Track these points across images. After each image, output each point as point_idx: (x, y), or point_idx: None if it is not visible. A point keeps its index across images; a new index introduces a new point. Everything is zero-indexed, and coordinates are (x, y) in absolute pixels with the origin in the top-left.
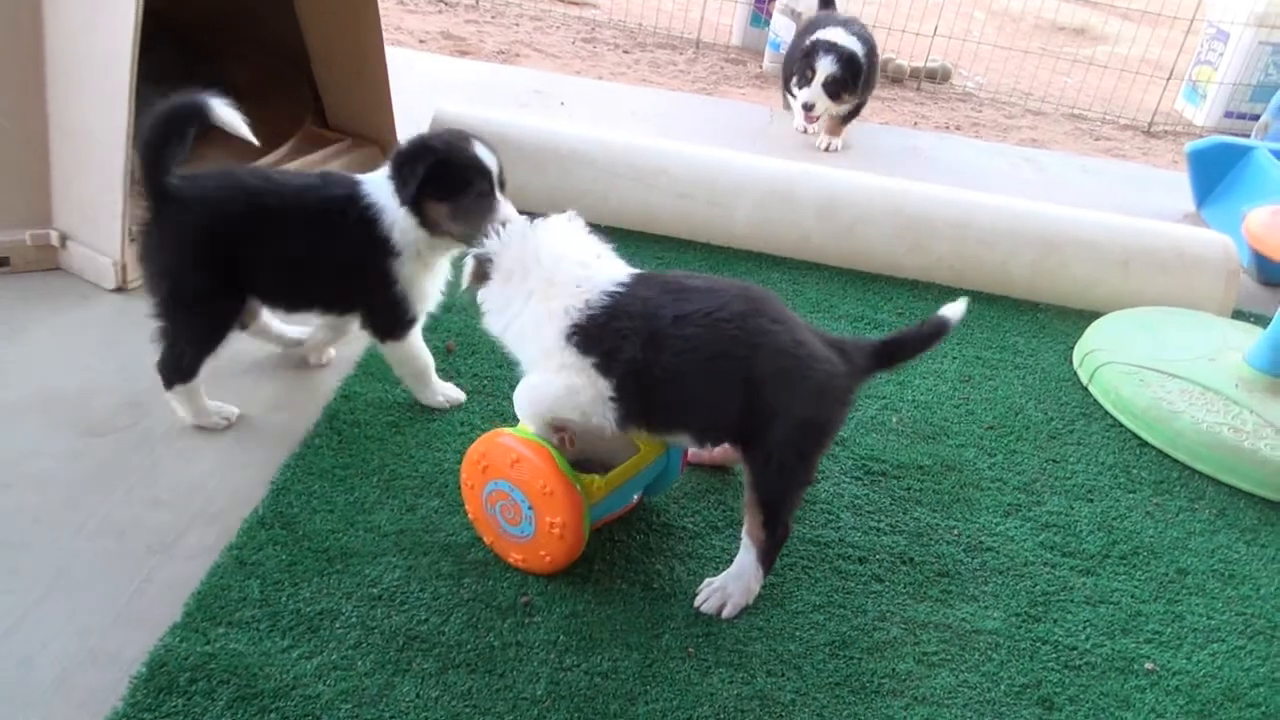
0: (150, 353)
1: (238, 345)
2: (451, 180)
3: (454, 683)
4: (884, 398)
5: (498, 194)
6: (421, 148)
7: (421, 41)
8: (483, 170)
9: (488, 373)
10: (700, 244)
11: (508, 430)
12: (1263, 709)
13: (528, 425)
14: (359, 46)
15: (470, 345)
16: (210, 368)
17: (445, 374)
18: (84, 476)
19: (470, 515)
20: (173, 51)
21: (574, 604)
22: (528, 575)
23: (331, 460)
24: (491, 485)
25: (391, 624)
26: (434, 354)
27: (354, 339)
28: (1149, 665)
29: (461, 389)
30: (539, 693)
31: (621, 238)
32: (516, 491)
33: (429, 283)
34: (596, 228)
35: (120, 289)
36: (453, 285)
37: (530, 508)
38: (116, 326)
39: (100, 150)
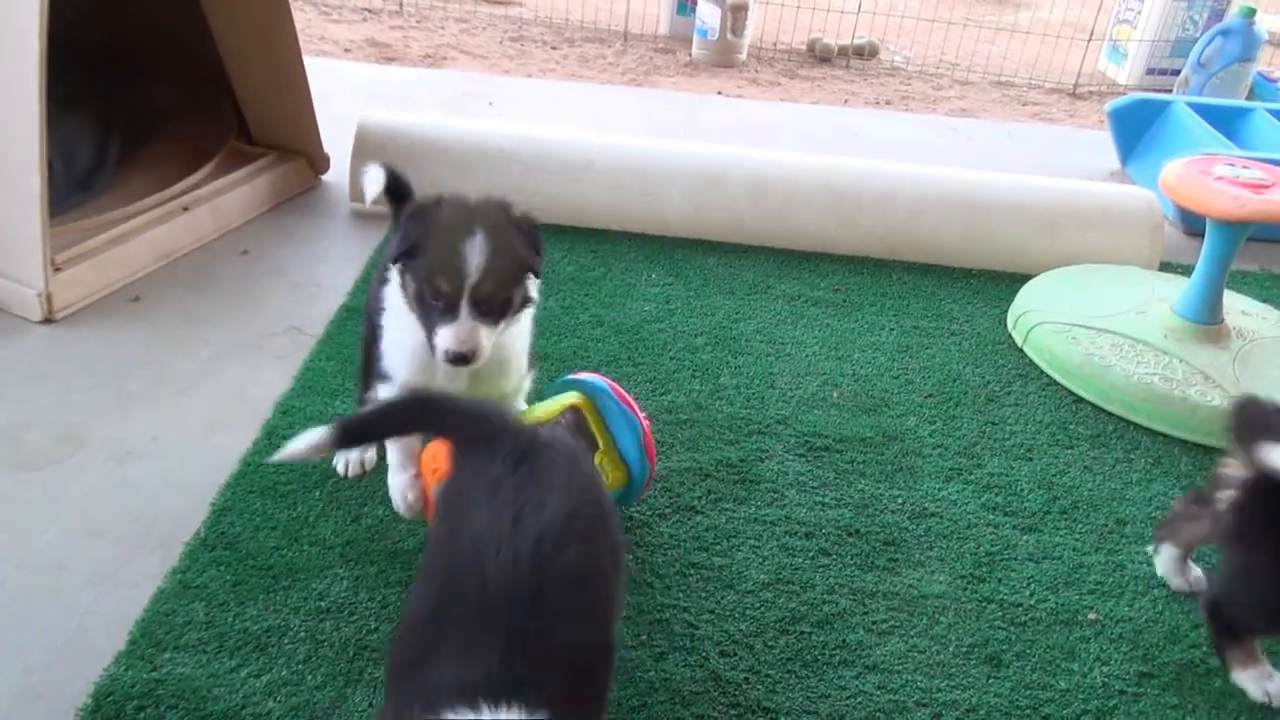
0: (84, 383)
1: (170, 368)
2: (420, 270)
3: None
4: (824, 374)
5: (463, 312)
6: (418, 214)
7: (347, 50)
8: (451, 275)
9: None
10: (634, 234)
11: None
12: (1203, 649)
13: None
14: (276, 60)
15: None
16: (143, 391)
17: None
18: (20, 512)
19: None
20: (89, 77)
21: None
22: None
23: (273, 477)
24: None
25: (341, 636)
26: None
27: (289, 353)
28: (1092, 615)
29: None
30: None
31: (554, 234)
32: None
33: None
34: None
35: (48, 320)
36: None
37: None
38: (47, 359)
39: (14, 179)
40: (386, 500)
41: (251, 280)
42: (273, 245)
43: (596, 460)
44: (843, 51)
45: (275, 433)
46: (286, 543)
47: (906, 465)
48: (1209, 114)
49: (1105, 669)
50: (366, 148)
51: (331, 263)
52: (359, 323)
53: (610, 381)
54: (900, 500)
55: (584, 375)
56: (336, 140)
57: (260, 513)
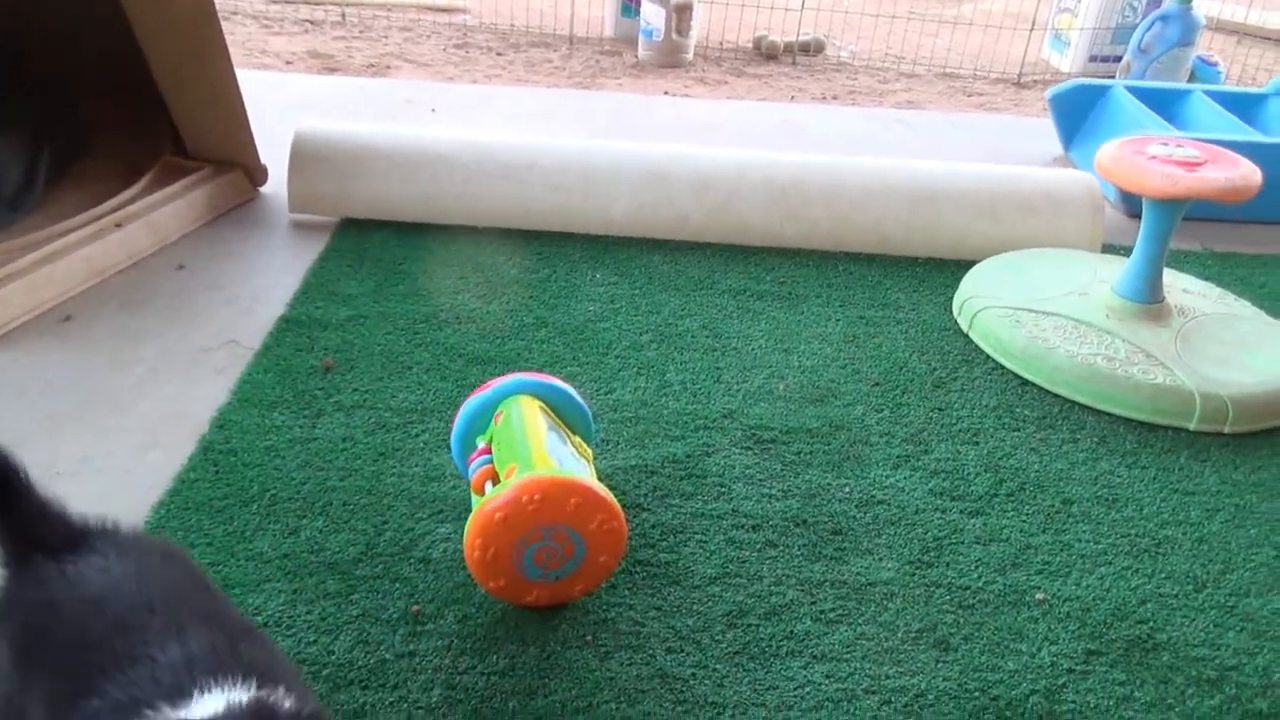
0: (13, 406)
1: (103, 387)
2: None
3: (345, 701)
4: (770, 367)
5: None
6: None
7: (288, 63)
8: None
9: (368, 387)
10: (579, 236)
11: (544, 472)
12: (1150, 624)
13: None
14: (208, 73)
15: (349, 361)
16: (75, 412)
17: (325, 393)
18: None
19: (479, 574)
20: (25, 99)
21: (465, 607)
22: (417, 584)
23: (208, 492)
24: (545, 530)
25: None
26: (311, 373)
27: (226, 367)
28: (1040, 595)
29: (343, 406)
30: (434, 700)
31: (498, 237)
32: (574, 534)
33: None
34: (473, 230)
35: None
36: (339, 299)
37: (584, 547)
38: None
39: None
40: (325, 511)
41: (187, 295)
42: (209, 259)
43: (575, 449)
44: (789, 48)
45: (212, 448)
46: (223, 558)
47: (854, 454)
48: (1148, 97)
49: (1053, 648)
50: (303, 158)
51: (269, 275)
52: (298, 334)
53: (521, 374)
54: (848, 489)
55: (499, 382)
56: (277, 152)
57: (195, 529)
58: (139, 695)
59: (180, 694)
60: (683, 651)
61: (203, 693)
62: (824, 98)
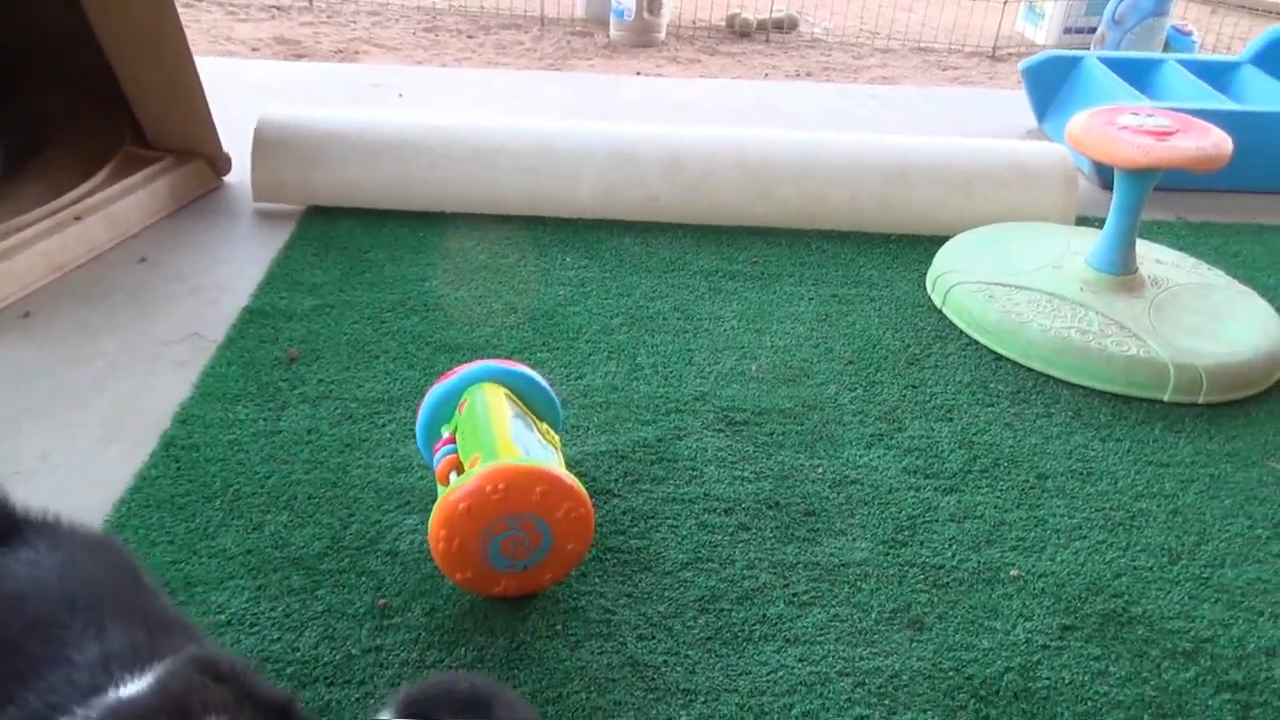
0: None
1: (62, 383)
2: None
3: (311, 699)
4: (742, 347)
5: None
6: None
7: (254, 49)
8: None
9: (333, 377)
10: (548, 219)
11: (510, 461)
12: (1125, 598)
13: None
14: (166, 61)
15: (314, 351)
16: (33, 408)
17: (290, 384)
18: None
19: (446, 566)
20: None
21: (433, 599)
22: (384, 577)
23: (170, 489)
24: (511, 520)
25: (242, 648)
26: (275, 365)
27: (189, 360)
28: (1014, 572)
29: (308, 398)
30: None
31: (466, 222)
32: (541, 522)
33: None
34: (441, 215)
35: None
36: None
37: (551, 536)
38: None
39: None
40: (290, 505)
41: (149, 288)
42: (172, 251)
43: (542, 435)
44: (762, 26)
45: (174, 443)
46: (185, 556)
47: (827, 434)
48: (1121, 67)
49: (1028, 624)
50: (266, 145)
51: (234, 265)
52: (262, 325)
53: (486, 361)
54: (821, 469)
55: (463, 370)
56: (242, 140)
57: (157, 526)
58: (55, 701)
59: (96, 693)
60: (654, 638)
61: (119, 689)
62: (798, 75)
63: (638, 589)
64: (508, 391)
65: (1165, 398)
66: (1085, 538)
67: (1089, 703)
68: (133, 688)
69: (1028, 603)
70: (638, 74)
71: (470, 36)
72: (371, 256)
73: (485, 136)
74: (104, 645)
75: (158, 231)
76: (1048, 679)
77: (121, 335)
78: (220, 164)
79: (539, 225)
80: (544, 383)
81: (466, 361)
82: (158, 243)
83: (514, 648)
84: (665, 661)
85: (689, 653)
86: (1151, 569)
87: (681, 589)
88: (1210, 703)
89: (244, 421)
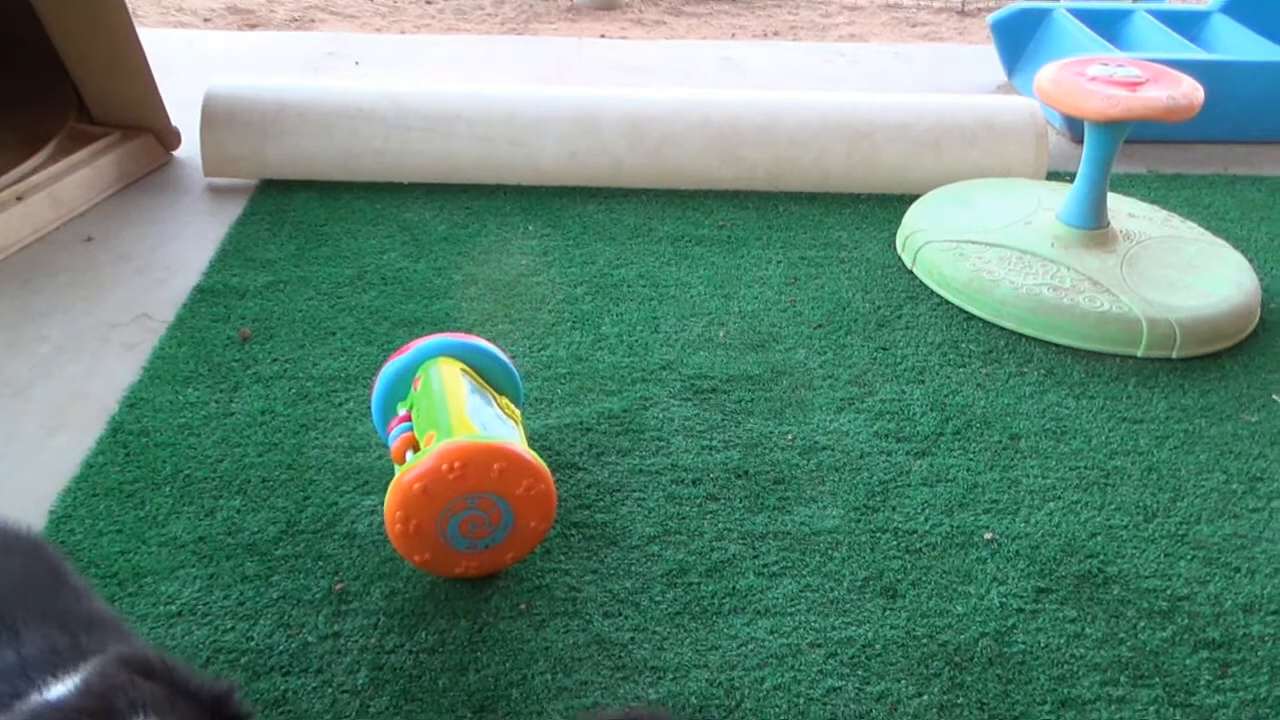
0: None
1: (4, 370)
2: None
3: (266, 689)
4: (709, 313)
5: None
6: None
7: (206, 20)
8: None
9: (289, 355)
10: (509, 187)
11: (464, 439)
12: (1100, 558)
13: None
14: (109, 34)
15: (268, 330)
16: None
17: (243, 364)
18: None
19: (403, 548)
20: None
21: (392, 582)
22: (341, 561)
23: (118, 476)
24: (470, 499)
25: (193, 639)
26: (228, 345)
27: (137, 342)
28: (988, 535)
29: (261, 378)
30: (360, 682)
31: (425, 193)
32: (500, 500)
33: None
34: (398, 187)
35: None
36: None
37: (512, 514)
38: None
39: None
40: (243, 490)
41: (95, 268)
42: (119, 229)
43: (502, 410)
44: None
45: (122, 428)
46: (134, 545)
47: (796, 400)
48: (1090, 19)
49: (1002, 588)
50: (215, 118)
51: (184, 242)
52: (214, 303)
53: (441, 335)
54: (790, 436)
55: (417, 344)
56: (196, 114)
57: (104, 516)
58: None
59: (16, 699)
60: (621, 615)
61: (41, 693)
62: (765, 34)
63: (604, 565)
64: (464, 366)
65: (1139, 353)
66: (1059, 498)
67: (1065, 666)
68: (56, 691)
69: (1002, 566)
70: (601, 37)
71: (429, 2)
72: (327, 230)
73: (442, 104)
74: (19, 651)
75: (104, 210)
76: (1023, 643)
77: (67, 318)
78: (169, 138)
79: (500, 194)
80: (502, 355)
81: (425, 336)
82: (105, 221)
83: (476, 629)
84: (633, 638)
85: (657, 628)
86: (1127, 528)
87: (649, 563)
88: (1188, 662)
89: (195, 404)
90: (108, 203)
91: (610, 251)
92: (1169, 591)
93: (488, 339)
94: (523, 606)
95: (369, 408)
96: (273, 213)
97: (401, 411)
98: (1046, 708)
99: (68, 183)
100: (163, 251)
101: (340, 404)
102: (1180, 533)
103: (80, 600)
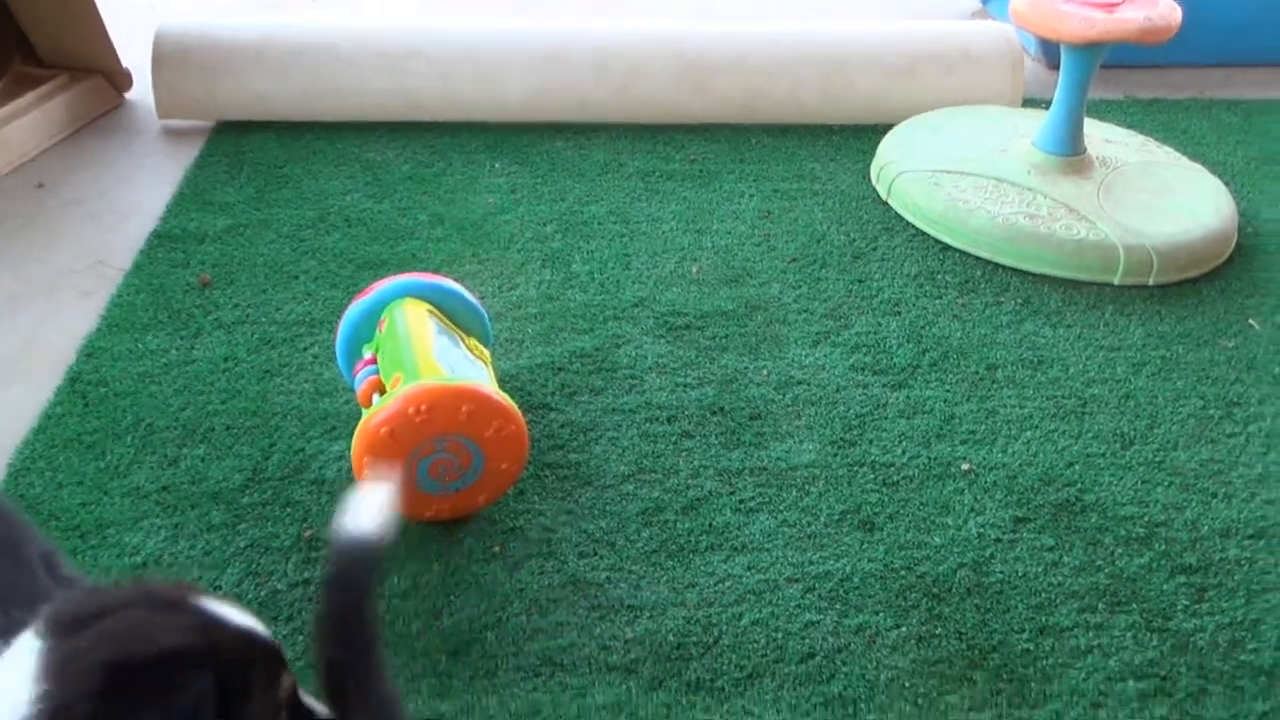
0: None
1: None
2: None
3: None
4: (682, 249)
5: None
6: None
7: None
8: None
9: (250, 301)
10: (473, 124)
11: (432, 381)
12: (1078, 485)
13: None
14: None
15: (229, 275)
16: None
17: (203, 310)
18: None
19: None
20: None
21: None
22: (310, 508)
23: (77, 427)
24: (438, 442)
25: None
26: (187, 290)
27: (93, 290)
28: (965, 466)
29: (223, 324)
30: None
31: (386, 132)
32: (470, 443)
33: None
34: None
35: None
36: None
37: (482, 456)
38: None
39: None
40: (207, 438)
41: (47, 214)
42: (71, 174)
43: (470, 351)
44: None
45: (80, 378)
46: (95, 497)
47: (771, 335)
48: None
49: (980, 519)
50: (166, 57)
51: (139, 186)
52: (172, 249)
53: (406, 276)
54: (765, 371)
55: (381, 286)
56: (148, 54)
57: (64, 468)
58: None
59: None
60: (596, 555)
61: None
62: None
63: (578, 505)
64: (430, 307)
65: (1116, 280)
66: (1037, 427)
67: (1043, 594)
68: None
69: (979, 497)
70: None
71: None
72: (287, 172)
73: (402, 40)
74: None
75: (55, 155)
76: (1001, 573)
77: (19, 267)
78: (120, 80)
79: (464, 132)
80: (469, 295)
81: (390, 276)
82: (55, 166)
83: (449, 572)
84: (609, 578)
85: (633, 568)
86: (1104, 456)
87: (624, 502)
88: (1165, 587)
89: (155, 352)
90: (58, 147)
91: (579, 188)
92: (1146, 518)
93: (454, 279)
94: (496, 549)
95: (334, 352)
96: (230, 155)
97: (367, 354)
98: (1025, 636)
99: (15, 127)
100: (117, 196)
101: (305, 349)
102: (1157, 459)
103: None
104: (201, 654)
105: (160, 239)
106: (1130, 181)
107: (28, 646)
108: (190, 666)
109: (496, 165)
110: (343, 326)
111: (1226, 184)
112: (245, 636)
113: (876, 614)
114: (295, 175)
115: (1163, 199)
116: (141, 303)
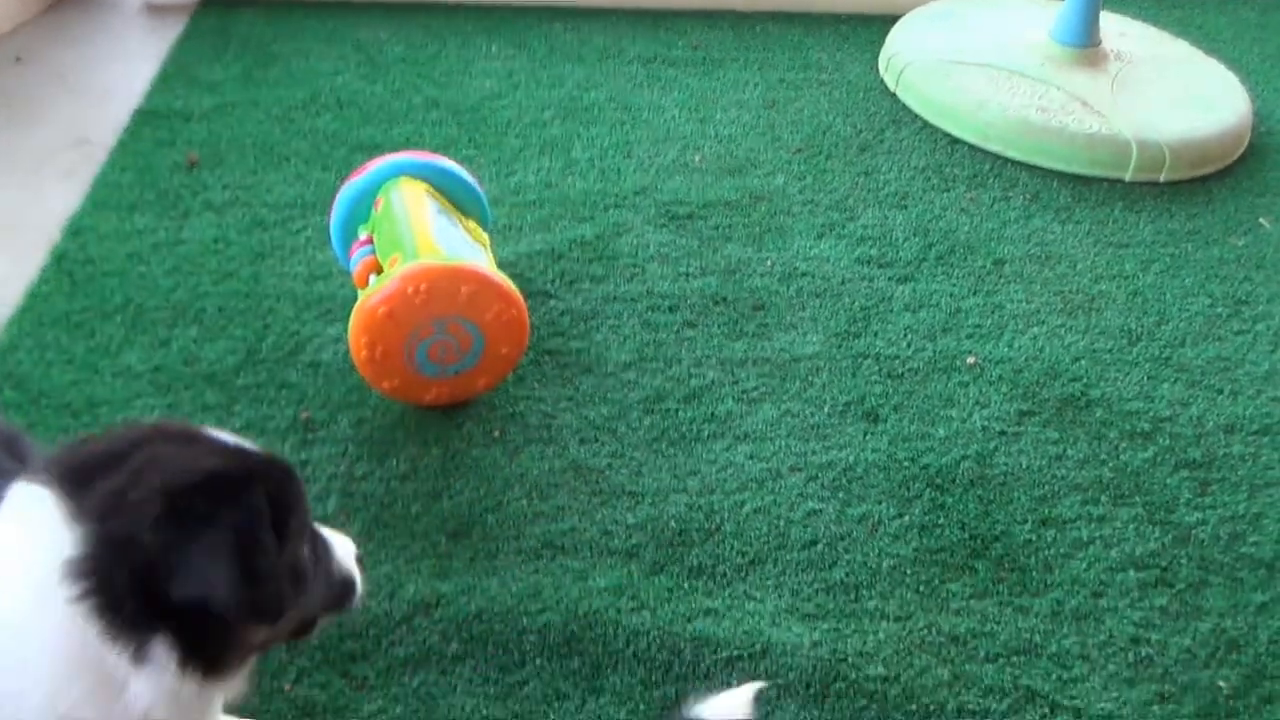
0: None
1: None
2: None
3: None
4: (684, 138)
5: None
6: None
7: None
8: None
9: (240, 182)
10: (468, 5)
11: (427, 261)
12: (1084, 381)
13: None
14: None
15: (217, 155)
16: None
17: (192, 190)
18: None
19: (370, 375)
20: None
21: (360, 411)
22: (306, 390)
23: (65, 305)
24: (437, 324)
25: None
26: (174, 170)
27: (77, 169)
28: (970, 360)
29: (212, 205)
30: (330, 509)
31: (382, 12)
32: (470, 325)
33: None
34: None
35: None
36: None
37: (482, 339)
38: None
39: None
40: (199, 319)
41: (26, 91)
42: (51, 49)
43: (469, 234)
44: None
45: (66, 256)
46: (86, 376)
47: (775, 225)
48: None
49: (984, 411)
50: None
51: (122, 63)
52: (158, 127)
53: (402, 154)
54: (769, 262)
55: (377, 164)
56: None
57: (52, 346)
58: None
59: None
60: (598, 441)
61: None
62: None
63: (579, 392)
64: (428, 187)
65: (1127, 177)
66: (1043, 322)
67: (1046, 487)
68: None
69: (984, 390)
70: None
71: None
72: (276, 50)
73: None
74: None
75: (33, 29)
76: (1004, 465)
77: None
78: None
79: (459, 13)
80: (467, 176)
81: (386, 155)
82: (34, 41)
83: (449, 456)
84: (610, 464)
85: (634, 454)
86: (1110, 351)
87: (625, 390)
88: (1168, 481)
89: (143, 232)
90: (36, 21)
91: (579, 73)
92: (1151, 413)
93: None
94: (496, 434)
95: (328, 234)
96: (216, 31)
97: (363, 235)
98: (1027, 527)
99: None
100: (99, 73)
101: (297, 231)
102: (1164, 356)
103: None
104: (245, 474)
105: (145, 117)
106: (1144, 76)
107: (33, 497)
108: (240, 485)
109: (493, 48)
110: (337, 206)
111: (1242, 81)
112: (272, 458)
113: (879, 504)
114: (284, 54)
115: (1177, 94)
116: (127, 181)
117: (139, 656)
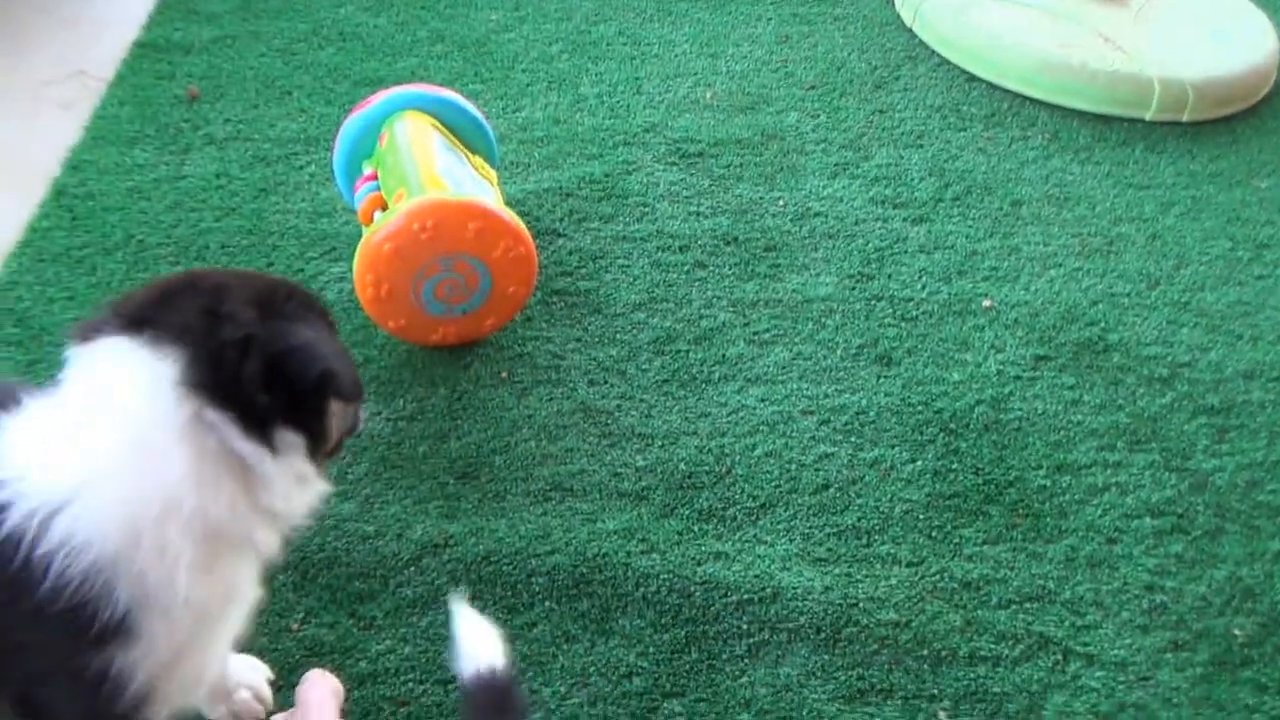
0: None
1: None
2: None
3: None
4: (695, 74)
5: None
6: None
7: None
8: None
9: (241, 116)
10: None
11: (438, 196)
12: (1101, 325)
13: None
14: None
15: (218, 88)
16: None
17: (192, 125)
18: None
19: (376, 314)
20: None
21: (366, 350)
22: None
23: (65, 241)
24: (444, 261)
25: None
26: (175, 104)
27: (75, 102)
28: (986, 303)
29: (214, 139)
30: None
31: None
32: (477, 263)
33: None
34: None
35: None
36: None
37: (490, 278)
38: None
39: None
40: (201, 255)
41: (20, 21)
42: None
43: (476, 170)
44: None
45: (65, 191)
46: (87, 312)
47: (788, 164)
48: None
49: (1000, 356)
50: None
51: None
52: (157, 60)
53: (406, 87)
54: (782, 202)
55: (381, 97)
56: None
57: (54, 282)
58: None
59: None
60: (607, 383)
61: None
62: None
63: (588, 332)
64: (434, 121)
65: (1148, 116)
66: (1061, 265)
67: (1061, 432)
68: None
69: (1000, 334)
70: None
71: None
72: None
73: None
74: None
75: None
76: (1020, 410)
77: None
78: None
79: None
80: (475, 110)
81: (390, 88)
82: None
83: (456, 397)
84: (619, 406)
85: (644, 396)
86: (1129, 295)
87: (635, 331)
88: (1186, 427)
89: (144, 166)
90: None
91: (587, 6)
92: (1170, 358)
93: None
94: (504, 374)
95: (332, 170)
96: None
97: (367, 170)
98: (1042, 472)
99: None
100: (94, 3)
101: (301, 167)
102: (1183, 300)
103: None
104: (295, 284)
105: (143, 49)
106: (1168, 12)
107: (109, 346)
108: (302, 291)
109: None
110: (341, 140)
111: (1270, 17)
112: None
113: (892, 448)
114: None
115: (1201, 31)
116: (126, 115)
117: (274, 446)
